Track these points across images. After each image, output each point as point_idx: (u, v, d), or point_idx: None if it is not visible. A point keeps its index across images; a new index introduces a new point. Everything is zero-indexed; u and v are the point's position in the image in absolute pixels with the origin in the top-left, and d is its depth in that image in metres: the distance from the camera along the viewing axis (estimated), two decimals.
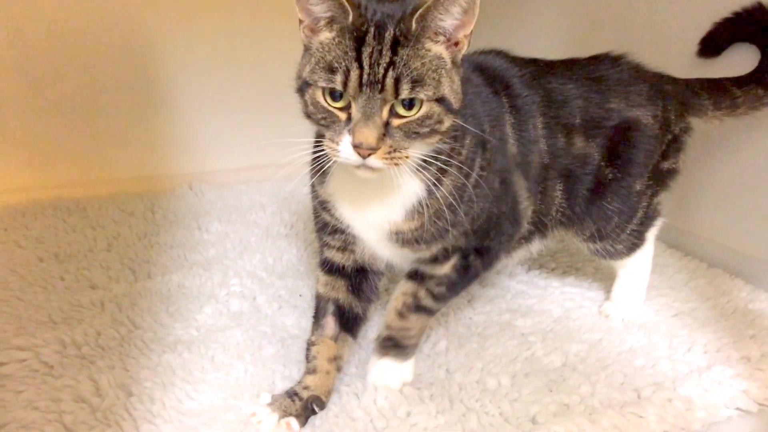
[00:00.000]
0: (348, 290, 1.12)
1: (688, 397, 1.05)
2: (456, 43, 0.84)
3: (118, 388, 1.04)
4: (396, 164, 0.83)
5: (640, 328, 1.28)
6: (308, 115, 0.86)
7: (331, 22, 0.82)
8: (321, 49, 0.82)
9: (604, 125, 1.15)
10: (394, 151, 0.82)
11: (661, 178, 1.24)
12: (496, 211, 1.05)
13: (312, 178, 1.00)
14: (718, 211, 1.56)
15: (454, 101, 0.85)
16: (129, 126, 1.96)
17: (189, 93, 2.00)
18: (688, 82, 1.28)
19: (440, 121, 0.84)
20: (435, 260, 1.06)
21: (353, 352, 1.16)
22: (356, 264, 1.12)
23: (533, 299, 1.40)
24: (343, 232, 1.06)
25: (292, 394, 1.02)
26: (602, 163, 1.17)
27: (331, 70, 0.80)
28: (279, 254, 1.59)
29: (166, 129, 2.02)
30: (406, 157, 0.84)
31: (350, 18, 0.80)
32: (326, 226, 1.07)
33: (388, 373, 1.08)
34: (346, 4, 0.79)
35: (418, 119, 0.82)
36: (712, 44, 1.45)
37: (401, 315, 1.08)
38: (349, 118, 0.81)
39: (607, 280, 1.43)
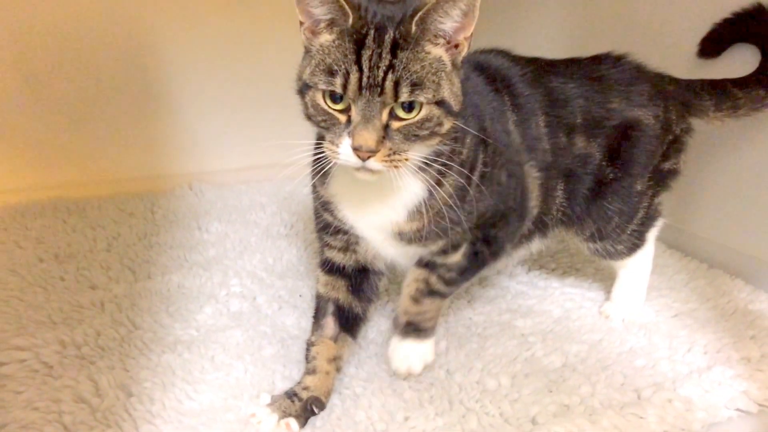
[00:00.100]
0: (348, 290, 1.13)
1: (688, 398, 1.05)
2: (456, 46, 0.84)
3: (118, 389, 1.04)
4: (396, 166, 0.83)
5: (640, 328, 1.28)
6: (308, 117, 0.87)
7: (331, 24, 0.82)
8: (321, 52, 0.82)
9: (605, 125, 1.15)
10: (394, 153, 0.82)
11: (661, 179, 1.24)
12: (503, 206, 1.06)
13: (313, 179, 1.00)
14: (718, 211, 1.56)
15: (454, 103, 0.85)
16: (129, 126, 1.96)
17: (189, 93, 2.00)
18: (689, 83, 1.28)
19: (440, 124, 0.84)
20: (444, 252, 1.06)
21: (353, 353, 1.16)
22: (357, 264, 1.12)
23: (533, 300, 1.40)
24: (345, 232, 1.06)
25: (291, 395, 1.02)
26: (603, 163, 1.17)
27: (331, 73, 0.80)
28: (279, 254, 1.59)
29: (166, 129, 2.02)
30: (406, 160, 0.84)
31: (350, 20, 0.80)
32: (328, 226, 1.07)
33: (411, 355, 1.09)
34: (346, 6, 0.79)
35: (417, 122, 0.82)
36: (712, 45, 1.45)
37: (416, 300, 1.08)
38: (348, 121, 0.81)
39: (607, 281, 1.43)
